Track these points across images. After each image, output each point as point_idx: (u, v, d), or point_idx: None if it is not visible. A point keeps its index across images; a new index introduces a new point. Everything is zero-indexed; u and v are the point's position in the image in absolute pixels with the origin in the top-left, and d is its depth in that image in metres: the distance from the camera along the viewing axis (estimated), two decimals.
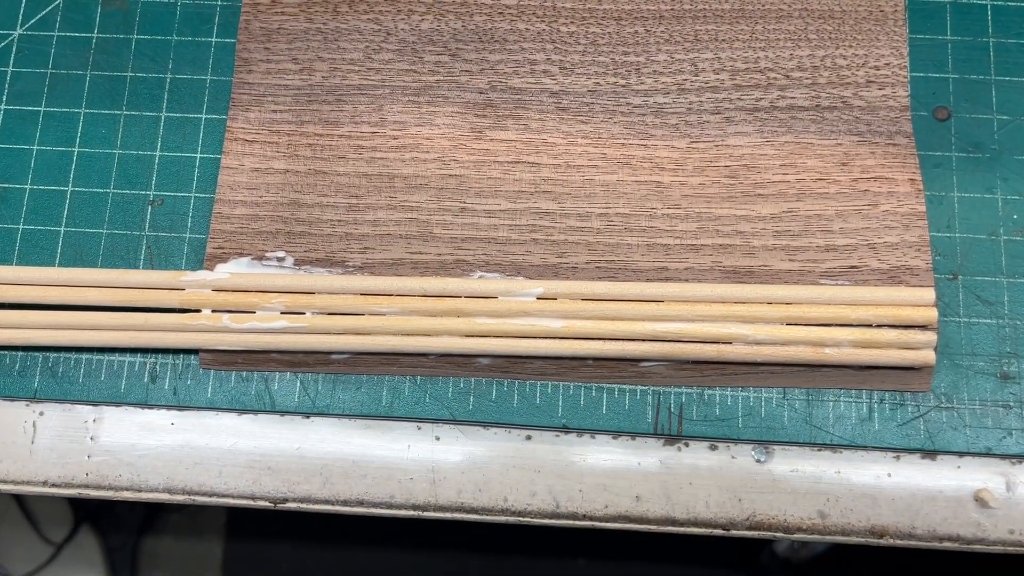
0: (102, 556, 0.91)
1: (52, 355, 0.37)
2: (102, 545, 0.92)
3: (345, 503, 0.36)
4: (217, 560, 0.92)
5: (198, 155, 0.39)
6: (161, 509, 0.94)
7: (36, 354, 0.37)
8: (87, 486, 0.37)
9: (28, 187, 0.39)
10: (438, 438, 0.37)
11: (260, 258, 0.37)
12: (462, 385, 0.36)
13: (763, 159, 0.37)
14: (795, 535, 0.36)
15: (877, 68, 0.38)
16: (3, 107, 0.40)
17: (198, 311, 0.36)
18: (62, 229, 0.38)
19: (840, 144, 0.38)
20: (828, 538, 0.36)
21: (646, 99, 0.38)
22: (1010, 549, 0.35)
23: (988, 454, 0.35)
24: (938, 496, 0.36)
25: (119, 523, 0.93)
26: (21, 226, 0.39)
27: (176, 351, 0.37)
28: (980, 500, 0.35)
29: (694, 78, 0.38)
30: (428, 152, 0.38)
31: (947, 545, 0.35)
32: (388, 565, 0.90)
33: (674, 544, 0.88)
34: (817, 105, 0.38)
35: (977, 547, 0.35)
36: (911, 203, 0.37)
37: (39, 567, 0.89)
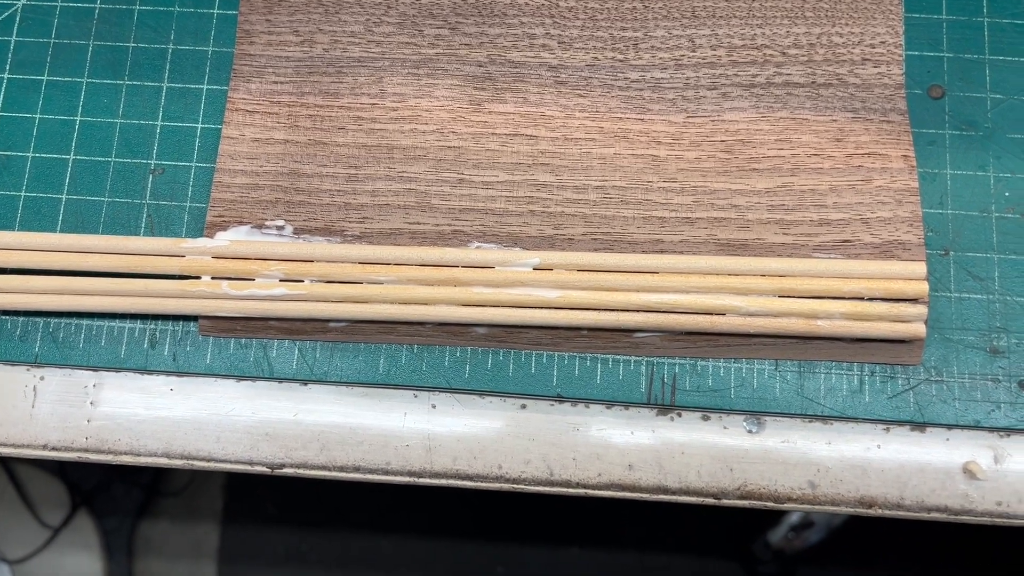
0: (99, 540, 0.92)
1: (53, 320, 0.38)
2: (99, 529, 0.92)
3: (342, 469, 0.37)
4: (213, 544, 0.92)
5: (199, 125, 0.40)
6: (157, 494, 0.94)
7: (37, 319, 0.38)
8: (87, 450, 0.37)
9: (30, 155, 0.39)
10: (434, 406, 0.37)
11: (260, 227, 0.37)
12: (458, 354, 0.37)
13: (759, 134, 0.38)
14: (785, 505, 0.36)
15: (872, 46, 0.39)
16: (6, 76, 0.40)
17: (198, 278, 0.37)
18: (64, 197, 0.39)
19: (835, 120, 0.38)
20: (818, 508, 0.36)
21: (643, 74, 0.39)
22: (997, 521, 0.36)
23: (977, 427, 0.36)
24: (927, 468, 0.36)
25: (116, 507, 0.93)
26: (23, 193, 0.39)
27: (176, 318, 0.38)
28: (968, 472, 0.36)
29: (691, 54, 0.39)
30: (427, 124, 0.38)
31: (935, 516, 0.36)
32: (382, 551, 0.90)
33: (667, 534, 0.89)
34: (813, 82, 0.38)
35: (965, 518, 0.36)
36: (904, 179, 0.37)
37: (36, 550, 0.89)
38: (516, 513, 0.90)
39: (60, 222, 0.39)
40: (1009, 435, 0.36)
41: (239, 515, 0.94)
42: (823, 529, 0.83)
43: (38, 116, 0.40)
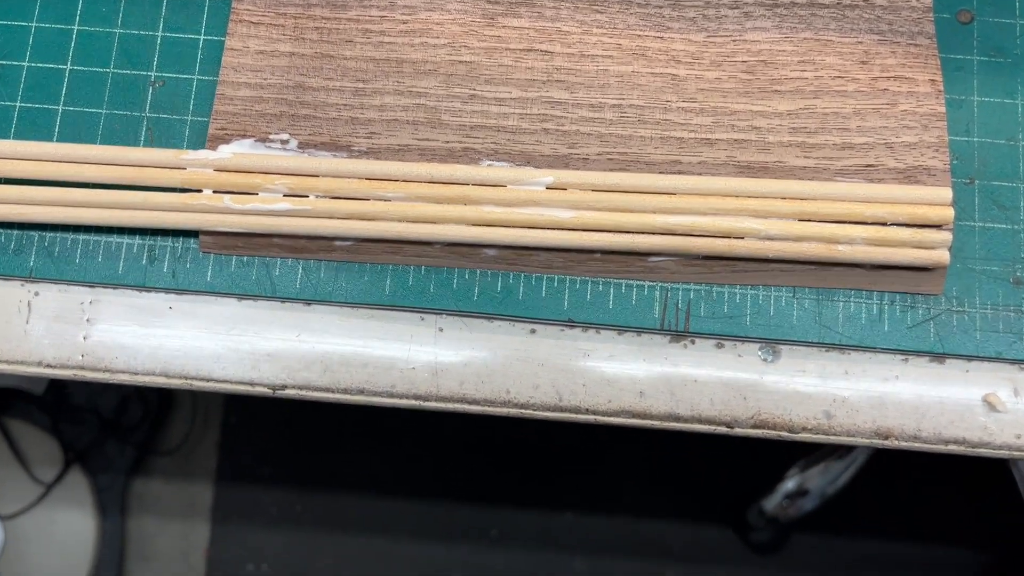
0: (91, 497, 0.91)
1: (48, 234, 0.36)
2: (92, 486, 0.91)
3: (345, 391, 0.36)
4: (206, 503, 0.92)
5: (201, 37, 0.38)
6: (151, 452, 0.93)
7: (32, 232, 0.36)
8: (82, 368, 0.36)
9: (26, 64, 0.38)
10: (441, 329, 0.36)
11: (263, 140, 0.36)
12: (467, 276, 0.36)
13: (781, 55, 0.37)
14: (800, 435, 0.35)
15: None
16: None
17: (199, 191, 0.35)
18: (60, 108, 0.37)
19: (860, 43, 0.37)
20: (833, 439, 0.35)
21: None
22: (1016, 454, 0.35)
23: (998, 358, 0.35)
24: (945, 399, 0.35)
25: (109, 465, 0.92)
26: (18, 104, 0.37)
27: (176, 233, 0.36)
28: (988, 404, 0.35)
29: None
30: (438, 38, 0.37)
31: (952, 448, 0.35)
32: (377, 513, 0.90)
33: (662, 500, 0.89)
34: (838, 3, 0.37)
35: (982, 451, 0.35)
36: (931, 103, 0.36)
37: (28, 506, 0.88)
38: (511, 477, 0.90)
39: (56, 134, 0.37)
40: None
41: (233, 474, 0.93)
42: (817, 497, 0.83)
43: (34, 24, 0.38)
